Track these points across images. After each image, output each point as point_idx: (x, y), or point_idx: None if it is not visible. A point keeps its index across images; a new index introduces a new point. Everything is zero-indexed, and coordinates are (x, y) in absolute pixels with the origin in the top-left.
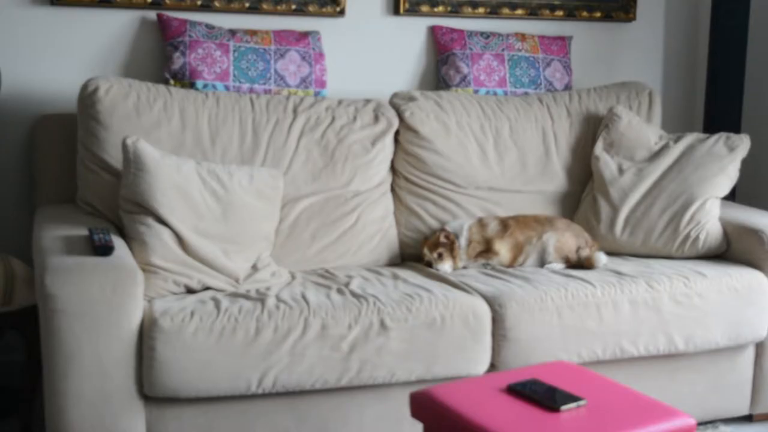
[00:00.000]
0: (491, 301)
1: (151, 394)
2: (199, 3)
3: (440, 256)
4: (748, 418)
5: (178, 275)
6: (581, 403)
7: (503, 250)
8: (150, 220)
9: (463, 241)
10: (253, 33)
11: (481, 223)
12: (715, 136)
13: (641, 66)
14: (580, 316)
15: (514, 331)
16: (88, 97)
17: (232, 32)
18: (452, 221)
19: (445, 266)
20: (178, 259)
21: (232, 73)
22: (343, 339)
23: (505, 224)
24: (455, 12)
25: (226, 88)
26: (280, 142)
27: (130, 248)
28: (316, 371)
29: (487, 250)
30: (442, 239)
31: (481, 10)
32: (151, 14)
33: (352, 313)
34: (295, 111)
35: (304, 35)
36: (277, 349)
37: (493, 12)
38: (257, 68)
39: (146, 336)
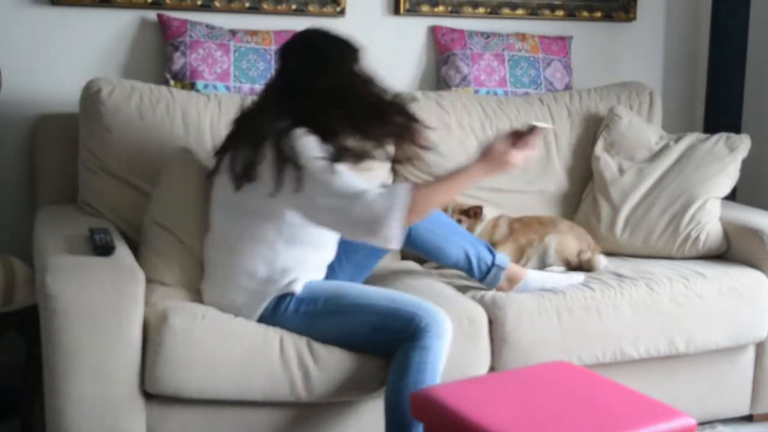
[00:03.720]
0: (491, 305)
1: (153, 391)
2: (199, 3)
3: (459, 222)
4: (749, 418)
5: None
6: None
7: (506, 252)
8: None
9: (478, 230)
10: (253, 33)
11: (494, 224)
12: (716, 136)
13: (641, 66)
14: (580, 319)
15: (514, 334)
16: (90, 99)
17: (233, 32)
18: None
19: None
20: None
21: (233, 73)
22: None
23: (512, 228)
24: (455, 12)
25: (227, 88)
26: None
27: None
28: (318, 384)
29: None
30: (470, 212)
31: (481, 10)
32: (152, 14)
33: None
34: None
35: None
36: (280, 359)
37: (494, 12)
38: (258, 68)
39: (154, 332)
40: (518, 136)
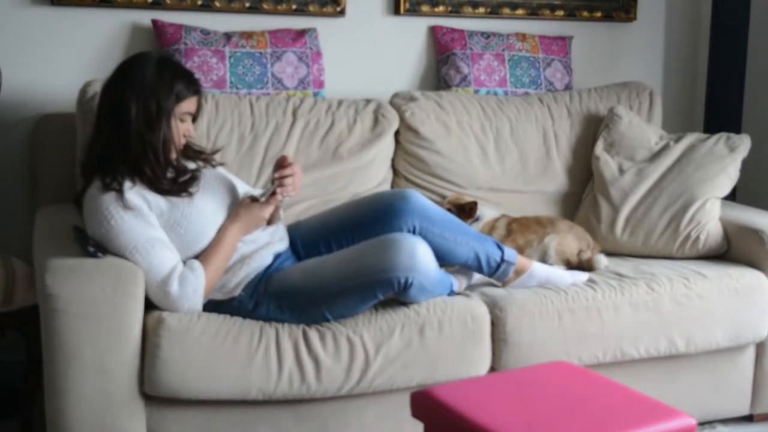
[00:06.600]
0: (491, 305)
1: (152, 392)
2: (199, 3)
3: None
4: (749, 418)
5: None
6: None
7: None
8: None
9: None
10: (248, 36)
11: (492, 225)
12: (716, 136)
13: (642, 66)
14: (580, 320)
15: (515, 335)
16: (87, 102)
17: (228, 37)
18: (482, 206)
19: None
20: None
21: (229, 80)
22: (342, 347)
23: (509, 228)
24: (455, 12)
25: None
26: (278, 146)
27: None
28: (315, 382)
29: None
30: (465, 207)
31: (481, 10)
32: (151, 14)
33: (352, 320)
34: (294, 113)
35: (301, 34)
36: (277, 358)
37: (494, 12)
38: (254, 73)
39: (152, 333)
40: (270, 197)
